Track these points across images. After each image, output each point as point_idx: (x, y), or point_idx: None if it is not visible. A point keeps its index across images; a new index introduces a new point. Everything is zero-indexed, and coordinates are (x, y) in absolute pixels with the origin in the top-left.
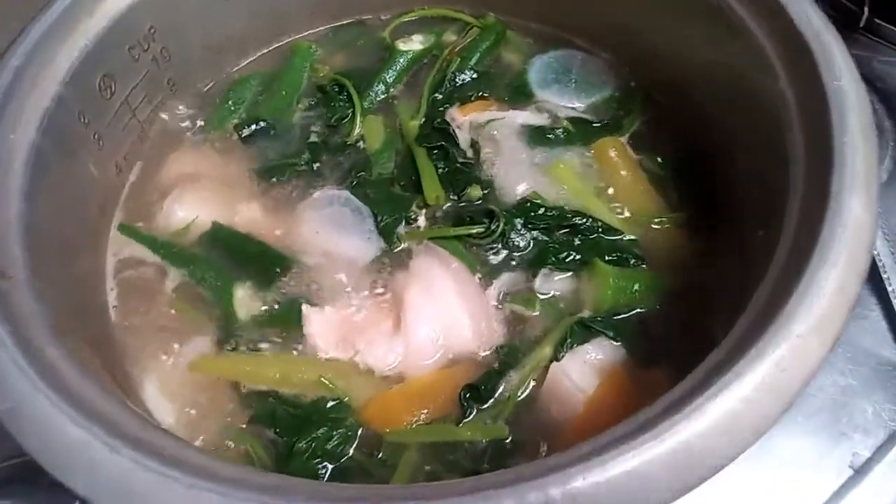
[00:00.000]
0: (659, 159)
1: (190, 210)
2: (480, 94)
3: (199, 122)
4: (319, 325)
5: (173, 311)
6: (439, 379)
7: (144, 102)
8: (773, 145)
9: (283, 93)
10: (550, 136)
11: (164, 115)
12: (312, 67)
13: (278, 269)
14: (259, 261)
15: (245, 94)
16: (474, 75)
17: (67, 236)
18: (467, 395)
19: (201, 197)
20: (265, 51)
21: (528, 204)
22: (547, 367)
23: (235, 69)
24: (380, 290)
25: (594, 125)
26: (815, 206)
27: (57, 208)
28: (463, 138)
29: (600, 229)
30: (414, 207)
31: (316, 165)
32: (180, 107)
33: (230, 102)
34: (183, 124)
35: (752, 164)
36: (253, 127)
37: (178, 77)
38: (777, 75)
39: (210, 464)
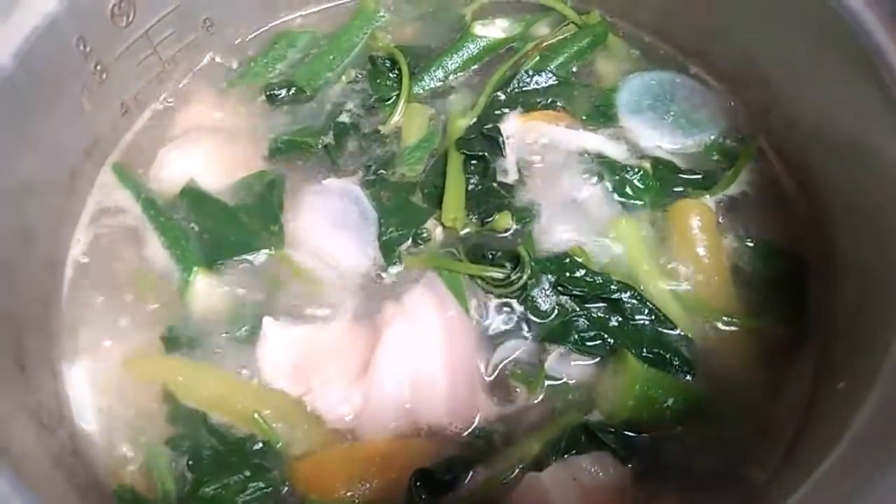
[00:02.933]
0: (750, 241)
1: (186, 165)
2: (552, 103)
3: (232, 73)
4: (276, 349)
5: (132, 288)
6: (395, 450)
7: (171, 39)
8: None
9: (331, 58)
10: (622, 175)
11: (193, 58)
12: (373, 35)
13: (243, 253)
14: (222, 235)
15: (289, 51)
16: (551, 80)
17: (30, 177)
18: (418, 483)
19: (203, 153)
20: (328, 5)
21: (568, 260)
22: (525, 471)
23: (288, 19)
24: (361, 317)
25: (682, 175)
26: None
27: (18, 142)
28: (511, 154)
29: (649, 315)
30: (429, 224)
31: (337, 149)
32: (214, 51)
33: (271, 57)
34: (214, 71)
35: (866, 289)
36: (284, 91)
37: (219, 17)
38: None
39: None
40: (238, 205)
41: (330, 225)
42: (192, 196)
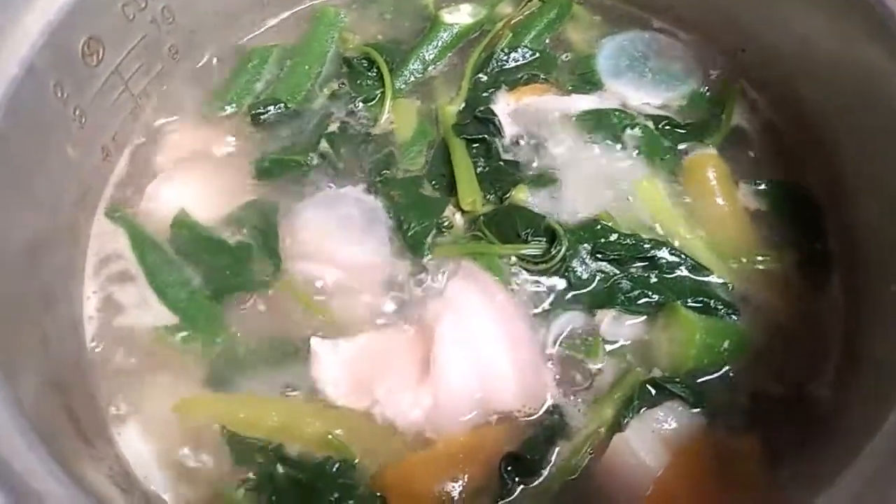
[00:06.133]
0: (759, 183)
1: (175, 197)
2: (535, 76)
3: (207, 98)
4: (331, 366)
5: (154, 336)
6: (476, 441)
7: (140, 73)
8: None
9: (305, 67)
10: (625, 132)
11: (165, 88)
12: (341, 38)
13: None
14: (225, 269)
15: (262, 67)
16: (528, 55)
17: (30, 238)
18: (509, 468)
19: (191, 183)
20: (286, 15)
21: (599, 226)
22: (607, 435)
23: (251, 36)
24: (406, 318)
25: (678, 130)
26: None
27: (17, 203)
28: (510, 130)
29: (685, 266)
30: (447, 212)
31: (332, 160)
32: (184, 78)
33: (245, 77)
34: (188, 99)
35: (882, 200)
36: (270, 109)
37: (183, 43)
38: None
39: None
40: (235, 234)
41: (340, 234)
42: (185, 227)
